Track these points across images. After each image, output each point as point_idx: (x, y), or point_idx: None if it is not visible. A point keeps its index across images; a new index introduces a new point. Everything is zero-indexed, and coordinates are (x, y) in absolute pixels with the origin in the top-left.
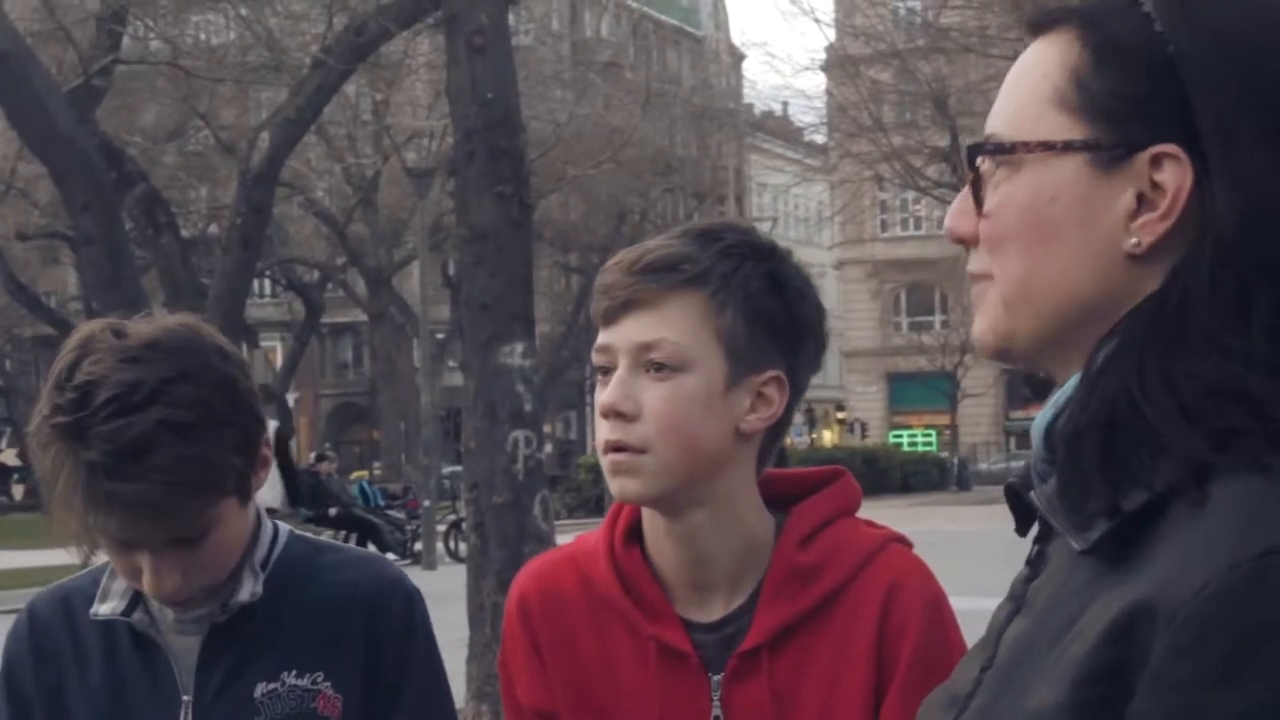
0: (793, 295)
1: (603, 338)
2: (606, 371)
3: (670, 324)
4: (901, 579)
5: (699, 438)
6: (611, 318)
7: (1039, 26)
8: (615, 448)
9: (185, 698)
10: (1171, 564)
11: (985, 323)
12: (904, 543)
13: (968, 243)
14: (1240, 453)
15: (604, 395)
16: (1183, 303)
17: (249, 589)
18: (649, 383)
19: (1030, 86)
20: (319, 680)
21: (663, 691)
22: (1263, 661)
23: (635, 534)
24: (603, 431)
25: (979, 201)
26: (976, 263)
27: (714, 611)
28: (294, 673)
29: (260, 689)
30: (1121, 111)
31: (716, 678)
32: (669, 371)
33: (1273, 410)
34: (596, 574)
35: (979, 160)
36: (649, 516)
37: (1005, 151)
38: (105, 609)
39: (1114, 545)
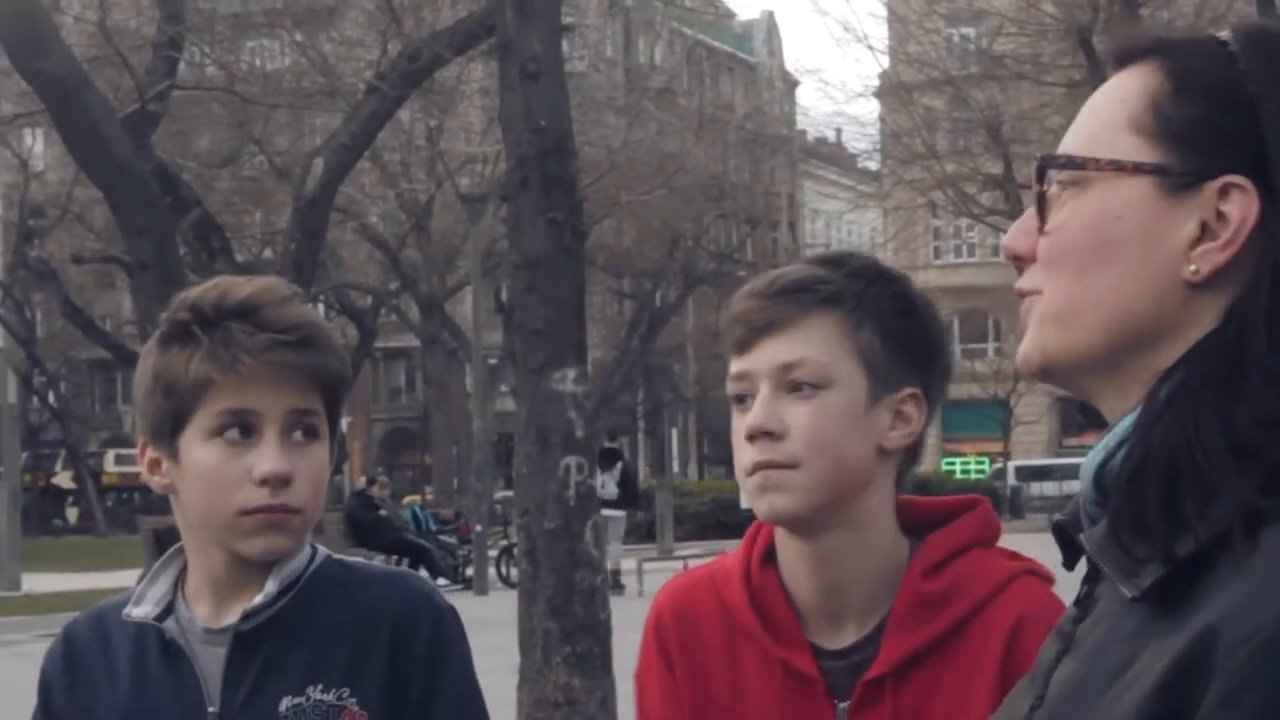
0: (921, 315)
1: (739, 365)
2: (742, 399)
3: (811, 343)
4: (1031, 612)
5: (846, 453)
6: (748, 343)
7: (1123, 59)
8: (764, 465)
9: (211, 709)
10: (1222, 613)
11: (1033, 339)
12: (1040, 575)
13: (1024, 260)
14: None
15: (750, 418)
16: (1240, 338)
17: (265, 590)
18: (793, 402)
19: (1107, 110)
20: (345, 696)
21: (787, 716)
22: None
23: (774, 555)
24: (749, 454)
25: (1043, 218)
26: (1028, 280)
27: (845, 638)
28: (319, 687)
29: (285, 703)
30: (1194, 140)
31: (843, 705)
32: (812, 390)
33: None
34: (730, 595)
35: (1048, 175)
36: (782, 544)
37: (1075, 166)
38: (139, 612)
39: (1165, 592)
